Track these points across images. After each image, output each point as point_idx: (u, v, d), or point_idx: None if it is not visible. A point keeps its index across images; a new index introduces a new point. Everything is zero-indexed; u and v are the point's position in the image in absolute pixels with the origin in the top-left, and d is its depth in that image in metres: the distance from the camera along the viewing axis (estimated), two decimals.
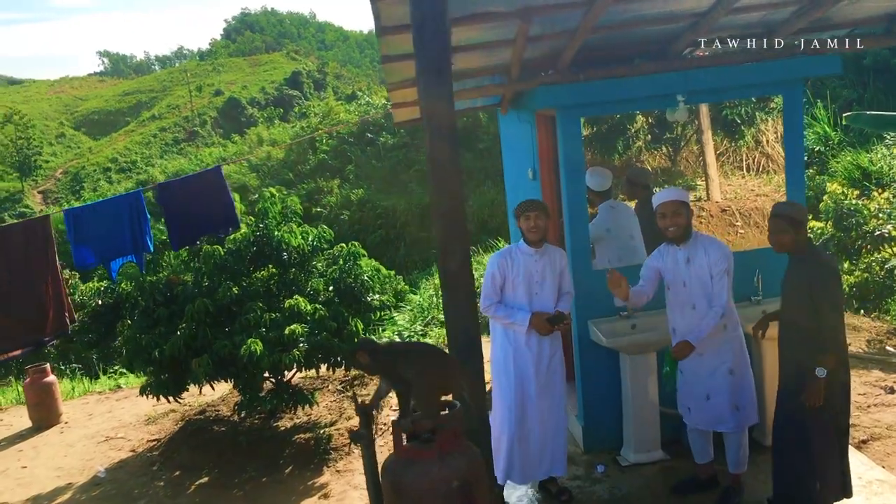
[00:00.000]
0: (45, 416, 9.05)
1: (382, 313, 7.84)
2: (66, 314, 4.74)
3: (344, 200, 29.02)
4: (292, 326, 6.80)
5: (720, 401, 5.03)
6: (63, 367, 12.85)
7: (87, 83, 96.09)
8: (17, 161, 59.68)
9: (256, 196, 28.93)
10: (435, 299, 13.05)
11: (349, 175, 30.88)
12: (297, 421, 7.74)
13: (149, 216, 5.17)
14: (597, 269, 6.58)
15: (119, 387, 10.82)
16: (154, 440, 8.02)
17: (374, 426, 3.51)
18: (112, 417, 8.97)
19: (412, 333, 11.68)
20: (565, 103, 5.55)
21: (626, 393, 5.79)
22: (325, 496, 6.34)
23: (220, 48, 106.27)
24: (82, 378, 12.18)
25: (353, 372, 8.80)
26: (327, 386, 8.65)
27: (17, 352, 4.81)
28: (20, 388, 10.26)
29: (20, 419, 9.33)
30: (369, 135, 31.37)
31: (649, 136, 14.67)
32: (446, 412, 2.94)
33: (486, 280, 5.18)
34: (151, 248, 5.37)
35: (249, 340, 6.64)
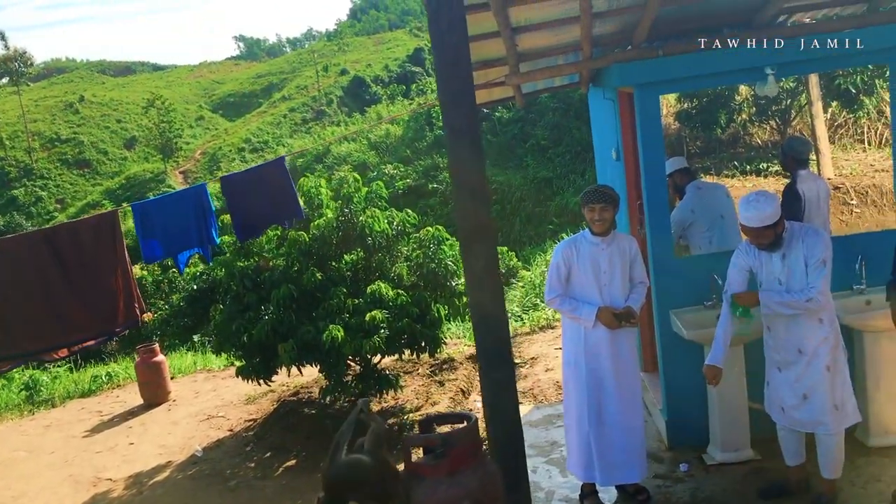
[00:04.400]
0: (154, 393, 9.55)
1: (465, 298, 7.72)
2: (136, 305, 4.88)
3: None
4: (373, 312, 6.82)
5: (819, 400, 4.61)
6: (184, 344, 13.36)
7: (223, 67, 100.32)
8: (160, 143, 63.20)
9: (375, 173, 29.22)
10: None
11: None
12: (385, 405, 7.78)
13: (214, 209, 5.25)
14: (693, 254, 6.24)
15: (233, 363, 11.23)
16: (251, 419, 8.28)
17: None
18: (216, 396, 9.34)
19: (526, 306, 11.56)
20: (642, 81, 5.20)
21: (712, 388, 5.43)
22: None
23: (346, 28, 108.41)
24: (203, 353, 12.67)
25: (443, 355, 8.77)
26: (417, 370, 8.66)
27: (91, 342, 5.00)
28: None
29: (134, 396, 9.88)
30: (485, 110, 31.13)
31: (754, 109, 13.62)
32: (459, 427, 2.80)
33: (552, 271, 4.95)
34: (217, 241, 5.47)
35: (331, 326, 6.71)
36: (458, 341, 9.91)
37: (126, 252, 4.86)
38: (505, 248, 23.54)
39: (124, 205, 5.05)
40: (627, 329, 4.94)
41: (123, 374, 11.22)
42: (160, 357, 9.65)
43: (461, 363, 8.65)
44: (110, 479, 7.37)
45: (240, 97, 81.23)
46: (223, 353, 7.58)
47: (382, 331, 6.86)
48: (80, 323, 4.71)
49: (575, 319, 4.93)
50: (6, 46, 70.38)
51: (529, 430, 6.40)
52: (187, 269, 7.76)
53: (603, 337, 4.89)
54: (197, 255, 5.45)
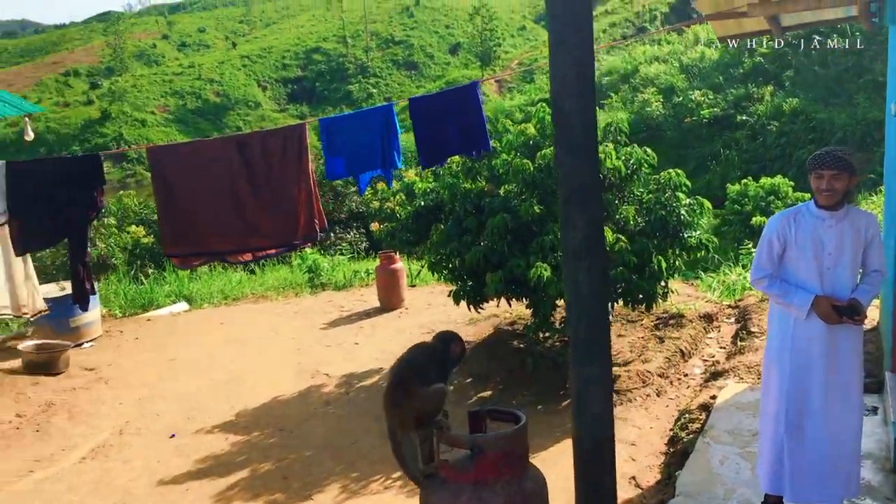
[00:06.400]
0: (388, 298, 9.95)
1: (699, 253, 6.90)
2: (317, 221, 4.90)
3: (774, 110, 26.27)
4: None
5: None
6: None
7: None
8: (480, 51, 65.23)
9: (681, 98, 27.31)
10: None
11: (785, 82, 27.78)
12: None
13: (399, 131, 5.06)
14: None
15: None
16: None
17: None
18: (444, 311, 9.45)
19: None
20: None
21: None
22: None
23: None
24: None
25: (672, 309, 8.05)
26: (642, 320, 8.02)
27: (272, 251, 5.15)
28: None
29: (374, 297, 10.35)
30: (817, 37, 27.61)
31: None
32: (489, 432, 2.34)
33: (761, 246, 4.14)
34: (400, 165, 5.28)
35: (538, 264, 6.37)
36: (700, 295, 9.03)
37: (311, 167, 4.89)
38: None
39: (310, 119, 5.02)
40: (850, 326, 4.02)
41: (374, 275, 11.84)
42: (398, 265, 9.99)
43: (691, 321, 7.86)
44: (327, 374, 7.81)
45: None
46: (436, 273, 7.57)
47: None
48: (263, 230, 4.87)
49: (785, 307, 4.10)
50: None
51: (734, 413, 5.63)
52: (419, 184, 7.76)
53: (817, 332, 4.02)
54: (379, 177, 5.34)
